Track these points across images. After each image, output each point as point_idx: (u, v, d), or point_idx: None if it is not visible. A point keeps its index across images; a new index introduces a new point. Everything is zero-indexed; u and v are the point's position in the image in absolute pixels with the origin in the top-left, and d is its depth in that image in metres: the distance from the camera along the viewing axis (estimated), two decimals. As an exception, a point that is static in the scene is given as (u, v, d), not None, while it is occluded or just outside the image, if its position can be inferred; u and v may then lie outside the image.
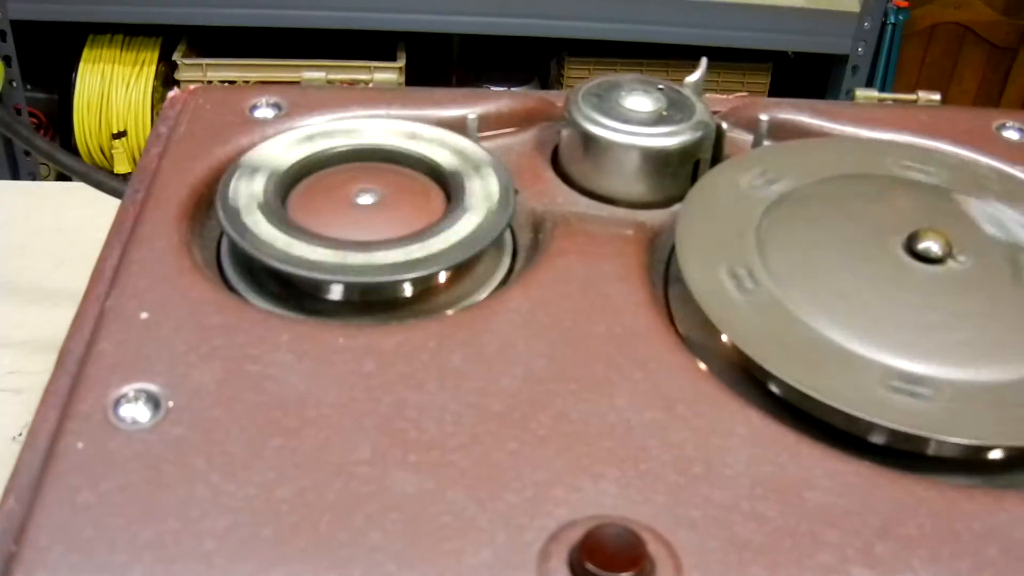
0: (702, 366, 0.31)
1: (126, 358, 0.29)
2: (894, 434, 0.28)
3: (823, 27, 1.36)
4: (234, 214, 0.34)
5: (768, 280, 0.32)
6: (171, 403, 0.28)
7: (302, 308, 0.33)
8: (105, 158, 1.43)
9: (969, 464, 0.29)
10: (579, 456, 0.27)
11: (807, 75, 1.48)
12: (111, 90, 1.40)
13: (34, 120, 1.47)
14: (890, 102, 0.47)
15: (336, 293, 0.34)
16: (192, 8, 1.34)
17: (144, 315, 0.31)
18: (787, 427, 0.28)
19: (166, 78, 1.43)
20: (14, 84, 1.38)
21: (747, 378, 0.31)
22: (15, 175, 1.41)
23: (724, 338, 0.31)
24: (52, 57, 1.44)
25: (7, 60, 1.35)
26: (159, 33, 1.42)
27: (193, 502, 0.25)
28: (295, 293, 0.34)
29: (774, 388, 0.30)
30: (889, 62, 1.49)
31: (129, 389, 0.28)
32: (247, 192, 0.35)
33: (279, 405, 0.28)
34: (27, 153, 1.38)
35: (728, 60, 1.40)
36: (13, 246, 0.59)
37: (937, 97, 0.47)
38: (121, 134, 1.40)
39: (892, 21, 1.42)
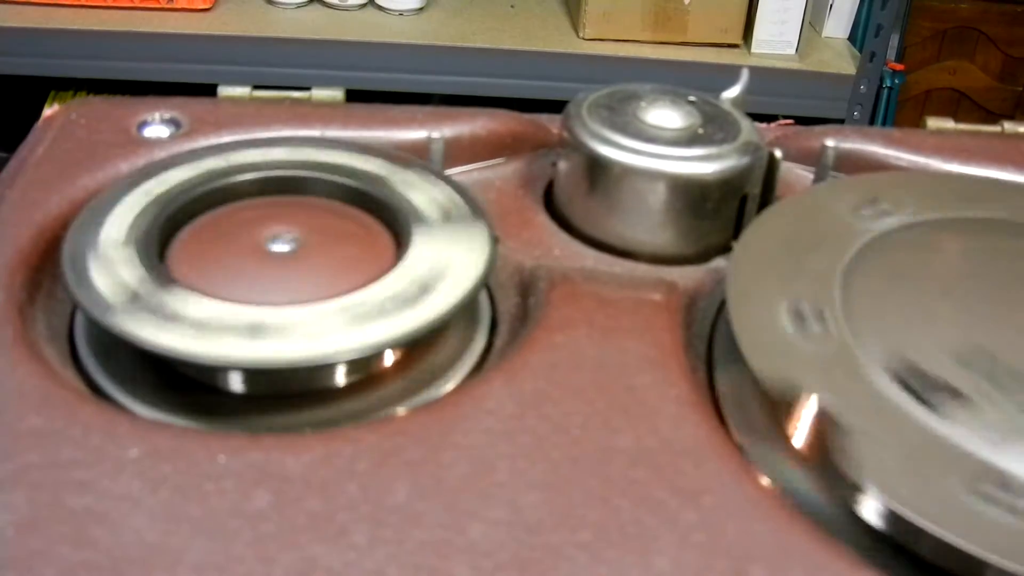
0: (764, 480, 0.20)
1: None
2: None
3: (818, 90, 1.30)
4: (80, 255, 0.23)
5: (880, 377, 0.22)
6: (-66, 563, 0.17)
7: (186, 406, 0.23)
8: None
9: None
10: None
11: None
12: (71, 149, 1.32)
13: (-12, 181, 1.38)
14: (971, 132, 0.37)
15: (228, 381, 0.23)
16: (159, 64, 1.27)
17: (-76, 416, 0.20)
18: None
19: (131, 136, 1.36)
20: (-33, 142, 1.29)
21: (837, 504, 0.20)
22: None
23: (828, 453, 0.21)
24: (10, 114, 1.35)
25: (-40, 116, 1.27)
26: (125, 90, 1.34)
27: None
28: (177, 382, 0.23)
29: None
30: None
31: None
32: (117, 228, 0.24)
33: (111, 567, 0.17)
34: None
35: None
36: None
37: (1024, 129, 0.37)
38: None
39: (888, 84, 1.36)
